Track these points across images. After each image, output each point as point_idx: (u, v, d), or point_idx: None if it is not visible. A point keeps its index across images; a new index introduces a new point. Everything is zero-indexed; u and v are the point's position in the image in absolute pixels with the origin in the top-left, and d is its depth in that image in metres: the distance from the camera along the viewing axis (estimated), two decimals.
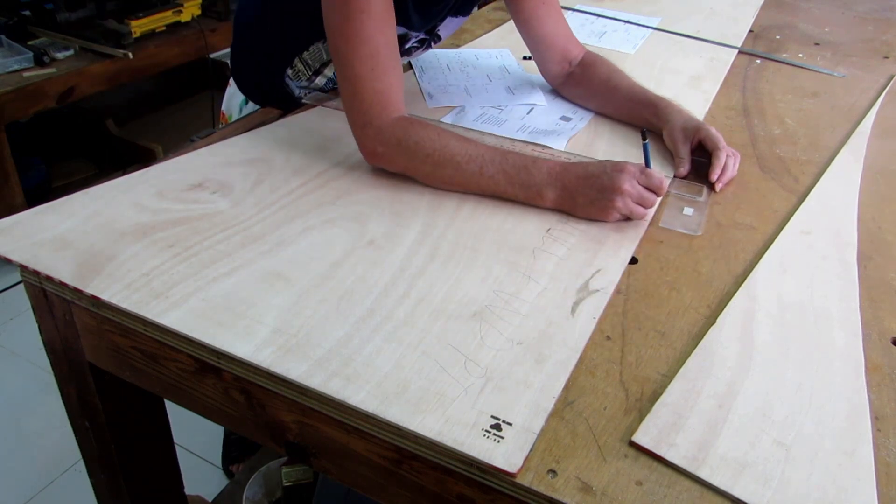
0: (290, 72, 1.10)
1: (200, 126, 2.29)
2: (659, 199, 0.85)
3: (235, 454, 1.61)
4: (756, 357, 0.66)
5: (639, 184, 0.82)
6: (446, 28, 1.12)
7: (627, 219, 0.84)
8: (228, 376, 0.65)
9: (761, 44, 1.52)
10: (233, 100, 1.23)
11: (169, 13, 2.34)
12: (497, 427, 0.56)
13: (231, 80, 1.24)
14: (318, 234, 0.78)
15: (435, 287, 0.71)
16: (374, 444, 0.60)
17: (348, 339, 0.64)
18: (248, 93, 1.20)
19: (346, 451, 0.62)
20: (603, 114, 1.11)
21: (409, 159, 0.86)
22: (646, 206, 0.83)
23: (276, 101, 1.15)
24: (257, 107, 1.20)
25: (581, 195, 0.83)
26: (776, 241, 0.83)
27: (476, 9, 1.57)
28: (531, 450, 0.54)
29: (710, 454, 0.55)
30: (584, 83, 1.12)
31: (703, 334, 0.68)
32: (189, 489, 1.08)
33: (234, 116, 1.22)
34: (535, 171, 0.84)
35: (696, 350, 0.66)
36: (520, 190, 0.85)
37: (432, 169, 0.86)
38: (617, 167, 0.83)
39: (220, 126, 1.19)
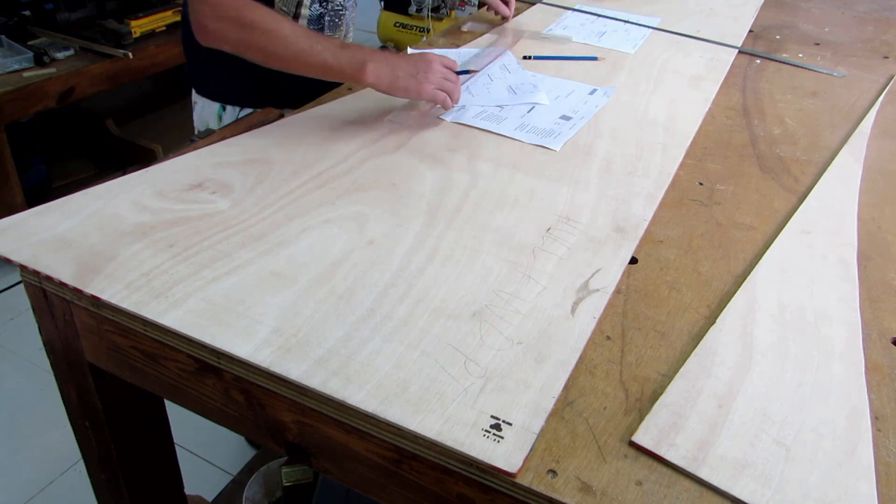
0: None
1: None
2: (457, 89, 1.04)
3: None
4: (756, 357, 0.66)
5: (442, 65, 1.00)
6: None
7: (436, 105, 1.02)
8: (228, 376, 0.65)
9: (761, 44, 1.52)
10: (204, 113, 1.22)
11: (169, 13, 2.34)
12: (497, 427, 0.56)
13: (194, 95, 1.22)
14: (317, 234, 0.78)
15: (435, 287, 0.71)
16: (374, 444, 0.60)
17: (348, 338, 0.64)
18: (222, 93, 1.19)
19: (346, 451, 0.62)
20: None
21: (245, 34, 0.91)
22: (449, 85, 1.00)
23: (260, 81, 1.14)
24: (237, 109, 1.18)
25: (401, 69, 0.96)
26: (776, 241, 0.83)
27: (477, 8, 1.56)
28: (531, 450, 0.54)
29: (710, 454, 0.55)
30: None
31: (703, 334, 0.68)
32: (189, 489, 1.08)
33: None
34: (360, 49, 0.96)
35: (696, 350, 0.66)
36: (346, 63, 0.94)
37: (266, 43, 0.92)
38: (427, 53, 1.01)
39: (220, 126, 1.18)
